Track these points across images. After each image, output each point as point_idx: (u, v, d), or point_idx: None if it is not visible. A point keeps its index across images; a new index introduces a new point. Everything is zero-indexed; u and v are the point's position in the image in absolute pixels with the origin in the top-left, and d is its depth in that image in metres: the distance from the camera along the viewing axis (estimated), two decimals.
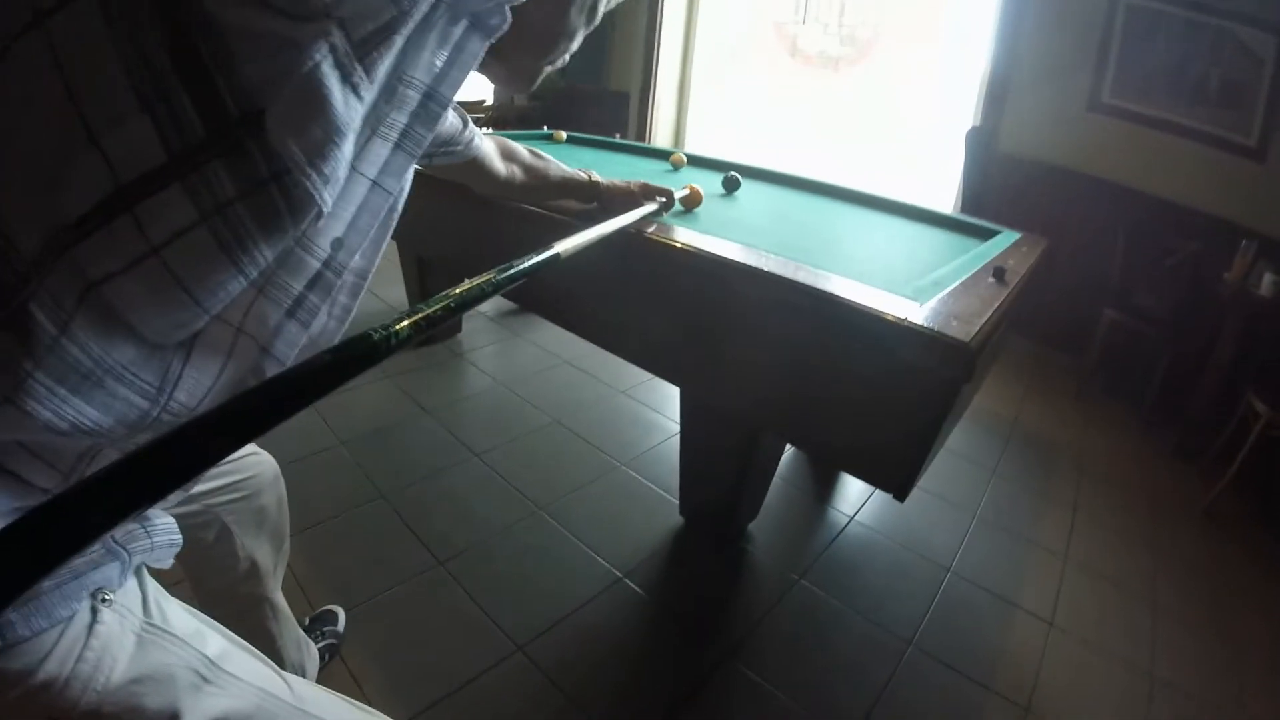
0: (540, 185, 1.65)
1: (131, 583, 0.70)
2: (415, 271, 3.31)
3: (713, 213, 2.02)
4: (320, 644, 1.65)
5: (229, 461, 1.19)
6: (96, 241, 0.50)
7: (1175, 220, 3.72)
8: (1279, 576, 2.50)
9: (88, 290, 0.50)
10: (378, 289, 3.76)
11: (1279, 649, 2.12)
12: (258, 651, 0.82)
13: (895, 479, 1.35)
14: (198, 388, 0.60)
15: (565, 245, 0.96)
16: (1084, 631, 2.06)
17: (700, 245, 1.54)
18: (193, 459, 0.44)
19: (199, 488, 1.12)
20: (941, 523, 2.50)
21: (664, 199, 1.72)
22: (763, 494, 2.26)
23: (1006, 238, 2.08)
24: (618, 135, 3.49)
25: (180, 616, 0.74)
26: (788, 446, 2.46)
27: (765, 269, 1.42)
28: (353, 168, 0.60)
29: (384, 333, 0.58)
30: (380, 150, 0.62)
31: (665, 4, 5.87)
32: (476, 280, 0.73)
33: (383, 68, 0.54)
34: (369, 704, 0.92)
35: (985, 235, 2.16)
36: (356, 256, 0.68)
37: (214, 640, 0.75)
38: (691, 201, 1.95)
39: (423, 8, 0.52)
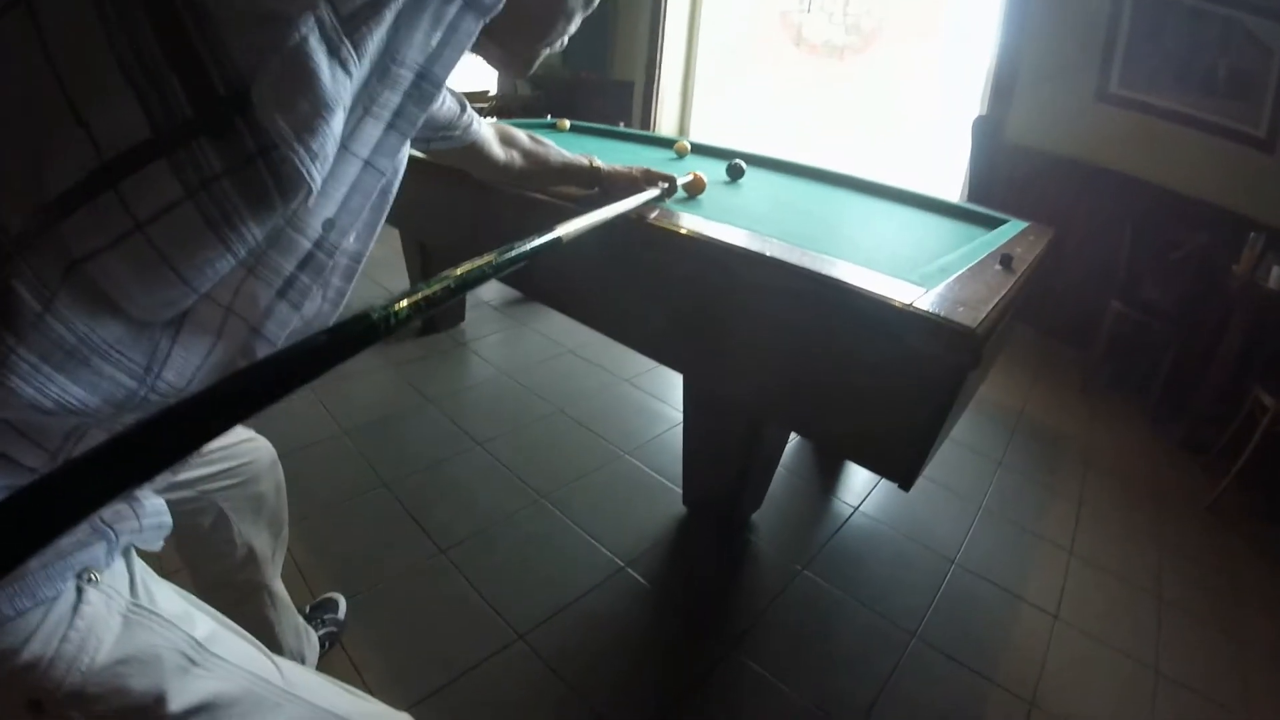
0: (540, 170, 1.64)
1: (119, 563, 0.69)
2: (418, 259, 3.29)
3: (717, 200, 2.01)
4: (321, 632, 1.65)
5: (225, 447, 1.18)
6: (80, 218, 0.49)
7: (1183, 212, 3.70)
8: None
9: (72, 267, 0.50)
10: (381, 277, 3.75)
11: None
12: (249, 635, 0.81)
13: (900, 467, 1.34)
14: (186, 367, 0.59)
15: (567, 228, 0.95)
16: (1088, 625, 2.05)
17: (704, 231, 1.53)
18: (184, 439, 0.43)
19: (194, 473, 1.11)
20: (946, 514, 2.49)
21: (666, 185, 1.70)
22: (766, 483, 2.25)
23: (1013, 226, 2.07)
24: (621, 124, 3.47)
25: (168, 598, 0.73)
26: (792, 436, 2.45)
27: (769, 254, 1.40)
28: (345, 147, 0.59)
29: (383, 312, 0.57)
30: (373, 130, 0.61)
31: None
32: (477, 261, 0.72)
33: (372, 44, 0.53)
34: (369, 692, 0.91)
35: (992, 224, 2.15)
36: (350, 239, 0.67)
37: (202, 622, 0.74)
38: (695, 188, 1.93)
39: None
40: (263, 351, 0.63)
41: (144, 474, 0.40)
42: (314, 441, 2.46)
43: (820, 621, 1.93)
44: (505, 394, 2.99)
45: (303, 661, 1.49)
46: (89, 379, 0.53)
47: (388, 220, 0.74)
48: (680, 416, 2.54)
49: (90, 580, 0.64)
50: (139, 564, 0.72)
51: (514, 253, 0.79)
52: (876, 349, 1.28)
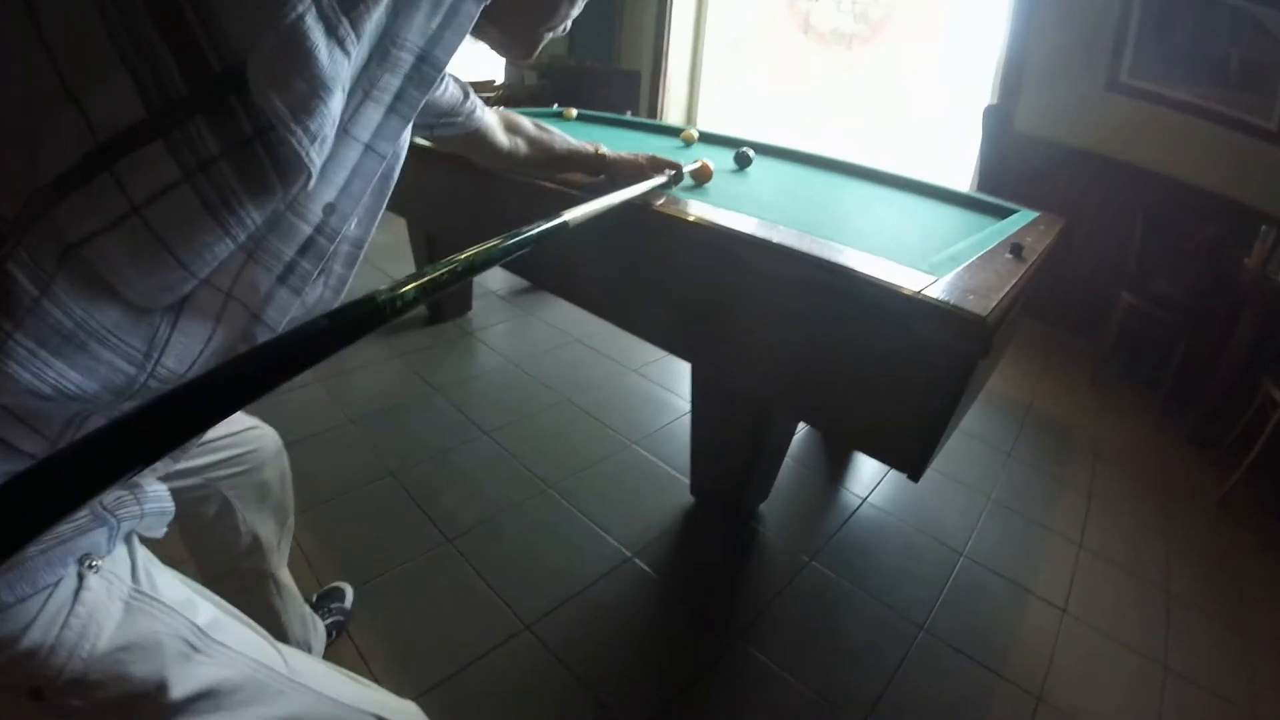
0: (545, 158, 1.63)
1: (120, 550, 0.68)
2: (425, 248, 3.29)
3: (724, 188, 2.00)
4: (327, 620, 1.65)
5: (229, 435, 1.18)
6: (75, 201, 0.48)
7: (1194, 203, 3.66)
8: None
9: (68, 251, 0.49)
10: (386, 265, 3.75)
11: None
12: (252, 622, 0.81)
13: (909, 458, 1.33)
14: (186, 353, 0.58)
15: (573, 214, 0.94)
16: (1097, 619, 2.04)
17: (712, 218, 1.52)
18: (188, 422, 0.43)
19: (199, 461, 1.11)
20: (955, 505, 2.48)
21: (673, 172, 1.70)
22: (774, 474, 2.24)
23: (1023, 216, 2.05)
24: (629, 113, 3.46)
25: (171, 585, 0.73)
26: (800, 426, 2.44)
27: (778, 241, 1.40)
28: (345, 131, 0.58)
29: (390, 294, 0.57)
30: (373, 114, 0.60)
31: None
32: (484, 246, 0.71)
33: (370, 23, 0.52)
34: (375, 681, 0.91)
35: (1002, 214, 2.13)
36: (351, 224, 0.66)
37: (205, 609, 0.74)
38: (702, 176, 1.92)
39: None
40: (264, 338, 0.63)
41: (147, 457, 0.40)
42: (320, 430, 2.46)
43: (827, 613, 1.93)
44: (512, 383, 2.98)
45: (309, 650, 1.49)
46: (87, 364, 0.52)
47: (393, 208, 0.73)
48: (688, 406, 2.54)
49: (91, 566, 0.64)
50: (141, 550, 0.72)
51: (520, 237, 0.78)
52: (885, 337, 1.28)
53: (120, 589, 0.66)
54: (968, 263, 1.42)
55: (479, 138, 1.42)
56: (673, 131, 3.05)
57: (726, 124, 5.75)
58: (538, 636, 1.75)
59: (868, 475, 2.58)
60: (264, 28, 0.47)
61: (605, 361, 3.24)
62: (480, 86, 6.17)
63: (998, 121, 4.22)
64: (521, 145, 1.57)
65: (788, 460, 2.30)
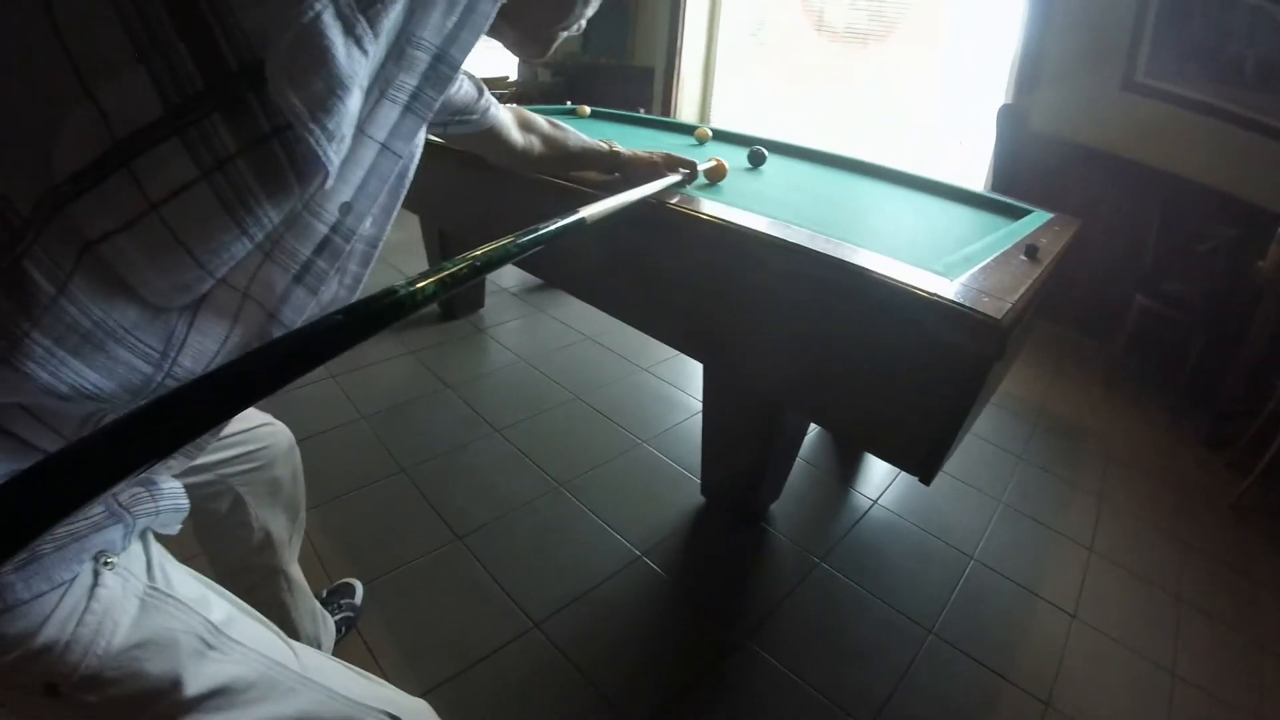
0: (559, 156, 1.63)
1: (135, 547, 0.68)
2: (438, 246, 3.30)
3: (738, 186, 2.00)
4: (337, 617, 1.65)
5: (243, 431, 1.18)
6: (92, 199, 0.48)
7: (1210, 205, 3.63)
8: None
9: (85, 249, 0.49)
10: (400, 262, 3.77)
11: None
12: (265, 619, 0.81)
13: (921, 461, 1.33)
14: (203, 353, 0.58)
15: (590, 211, 0.94)
16: (1106, 624, 2.02)
17: (726, 217, 1.52)
18: (206, 415, 0.43)
19: (212, 457, 1.11)
20: (965, 508, 2.47)
21: (687, 170, 1.69)
22: (785, 474, 2.24)
23: (1038, 217, 2.04)
24: (642, 110, 3.45)
25: (185, 581, 0.73)
26: (812, 427, 2.44)
27: (792, 241, 1.39)
28: (361, 130, 0.58)
29: (409, 288, 0.57)
30: (389, 113, 0.60)
31: None
32: (502, 241, 0.71)
33: (387, 22, 0.52)
34: (385, 677, 0.91)
35: (1016, 214, 2.12)
36: (367, 223, 0.66)
37: (219, 606, 0.74)
38: (716, 174, 1.92)
39: None
40: None
41: (164, 450, 0.40)
42: (332, 427, 2.47)
43: (836, 615, 1.92)
44: (524, 380, 2.98)
45: (319, 646, 1.49)
46: (104, 364, 0.52)
47: (406, 205, 0.73)
48: (698, 405, 2.53)
49: (107, 563, 0.64)
50: (156, 547, 0.72)
51: (538, 234, 0.78)
52: (899, 339, 1.27)
53: (136, 586, 0.67)
54: (982, 264, 1.42)
55: (493, 135, 1.42)
56: (686, 129, 3.04)
57: (740, 122, 5.74)
58: (546, 634, 1.75)
59: (878, 477, 2.57)
60: (282, 26, 0.47)
61: (617, 360, 3.24)
62: (493, 83, 6.17)
63: (1012, 121, 4.19)
64: (536, 143, 1.56)
65: (799, 461, 2.29)
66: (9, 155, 0.49)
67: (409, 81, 0.59)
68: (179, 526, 0.73)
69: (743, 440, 2.01)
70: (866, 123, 5.30)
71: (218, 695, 0.70)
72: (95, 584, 0.63)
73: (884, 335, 1.30)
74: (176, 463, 0.70)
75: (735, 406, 1.99)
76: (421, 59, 0.59)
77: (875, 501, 2.43)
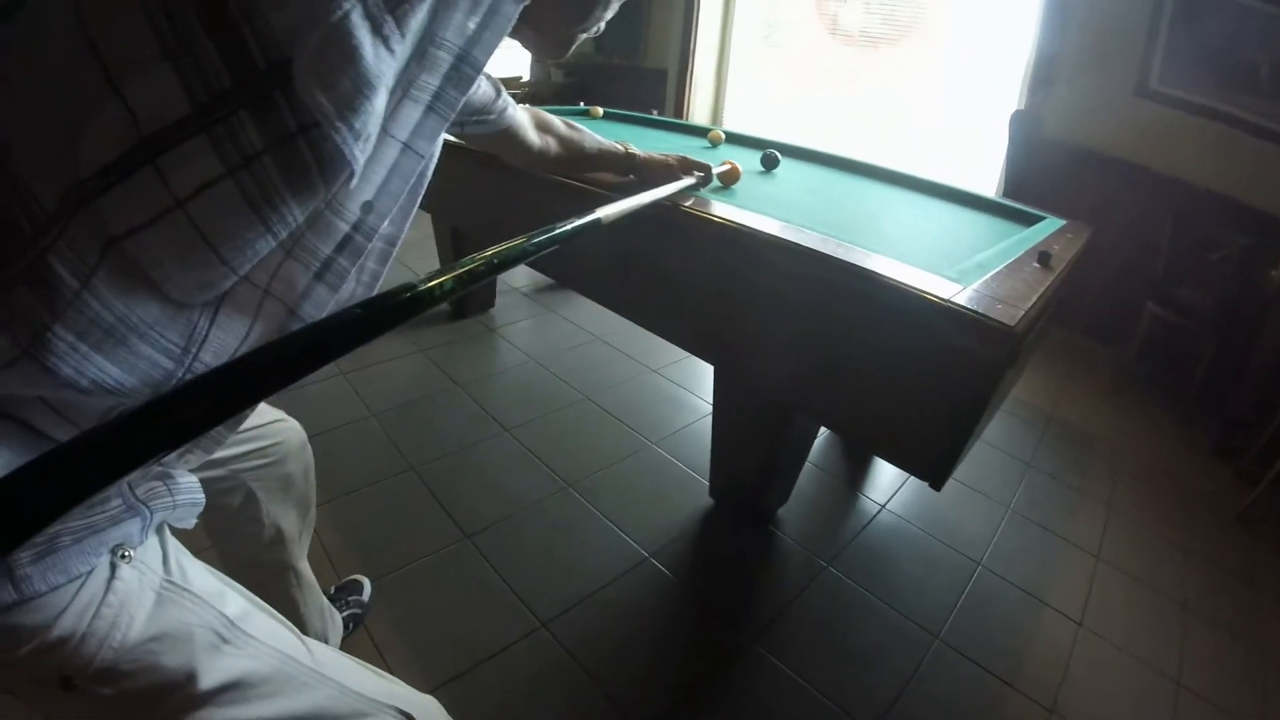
0: (575, 157, 1.63)
1: (152, 540, 0.69)
2: (450, 244, 3.30)
3: (751, 190, 2.00)
4: (345, 613, 1.66)
5: (256, 427, 1.19)
6: (118, 194, 0.49)
7: (1223, 214, 3.61)
8: None
9: (110, 245, 0.50)
10: (412, 261, 3.77)
11: None
12: (278, 614, 0.81)
13: (932, 466, 1.33)
14: (223, 349, 0.59)
15: (606, 211, 0.95)
16: (1112, 633, 2.02)
17: (739, 220, 1.52)
18: (224, 404, 0.43)
19: (225, 452, 1.12)
20: (973, 514, 2.46)
21: (702, 174, 1.69)
22: (794, 477, 2.23)
23: (1051, 224, 2.04)
24: (655, 112, 3.46)
25: (201, 576, 0.74)
26: (820, 430, 2.44)
27: (805, 245, 1.39)
28: (384, 130, 0.59)
29: (428, 283, 0.57)
30: (412, 113, 0.61)
31: None
32: (518, 240, 0.72)
33: (414, 22, 0.53)
34: (391, 674, 0.91)
35: (1029, 220, 2.12)
36: (385, 222, 0.66)
37: (234, 601, 0.75)
38: (730, 178, 1.92)
39: None
40: None
41: (181, 438, 0.41)
42: (342, 424, 2.47)
43: (843, 619, 1.92)
44: (533, 380, 2.99)
45: (326, 642, 1.50)
46: (126, 359, 0.53)
47: (419, 204, 0.74)
48: (708, 407, 2.54)
49: (124, 556, 0.64)
50: (172, 541, 0.73)
51: (555, 233, 0.79)
52: (912, 345, 1.27)
53: (152, 579, 0.67)
54: (995, 270, 1.41)
55: (510, 136, 1.42)
56: (699, 131, 3.04)
57: (752, 124, 5.74)
58: (554, 634, 1.75)
59: (887, 481, 2.56)
60: (310, 24, 0.47)
61: (627, 361, 3.24)
62: (506, 83, 6.15)
63: (1025, 127, 4.18)
64: (552, 144, 1.57)
65: (807, 465, 2.29)
66: (36, 151, 0.50)
67: (431, 82, 0.60)
68: (195, 521, 0.74)
69: (752, 443, 2.01)
70: (879, 126, 5.29)
71: (232, 689, 0.70)
72: (112, 577, 0.63)
73: (896, 340, 1.30)
74: (195, 456, 0.71)
75: (745, 409, 1.99)
76: (444, 59, 0.59)
77: (883, 506, 2.42)
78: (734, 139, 2.90)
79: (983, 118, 4.67)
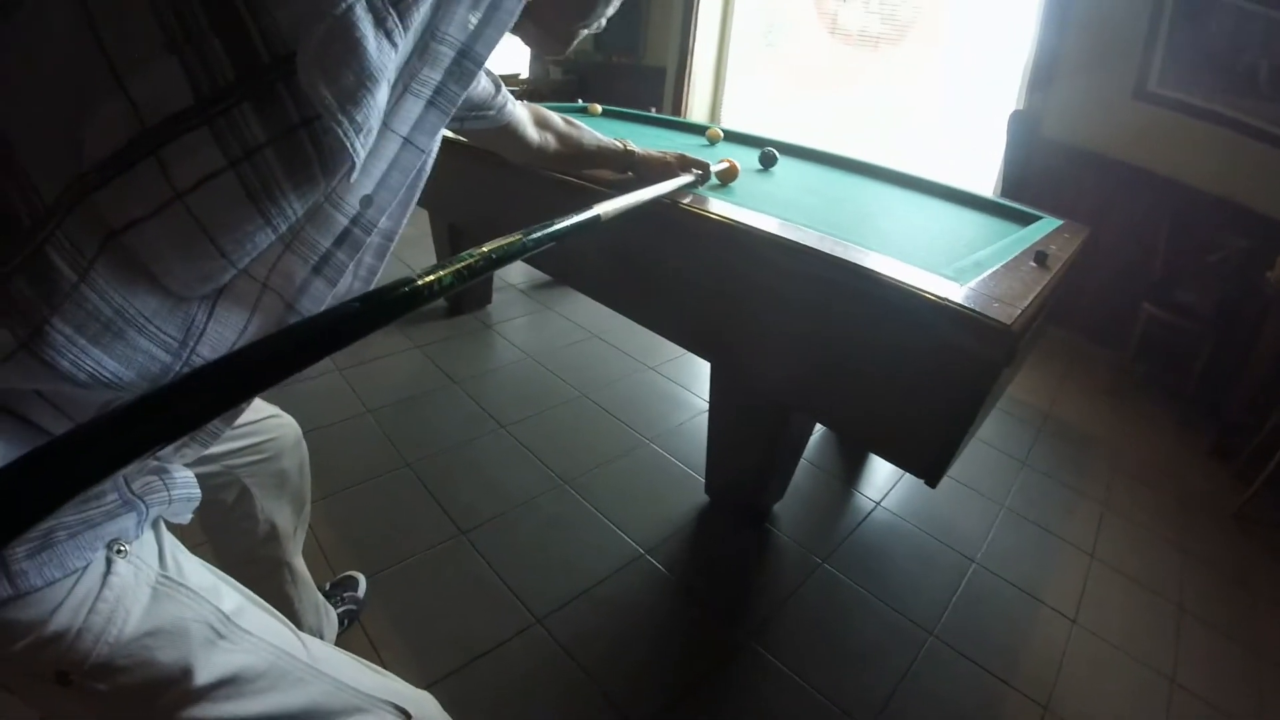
0: (574, 153, 1.63)
1: (148, 535, 0.69)
2: (447, 240, 3.30)
3: (749, 188, 2.00)
4: (340, 609, 1.66)
5: (251, 423, 1.19)
6: (119, 186, 0.49)
7: (1221, 215, 3.62)
8: None
9: (109, 237, 0.50)
10: (409, 256, 3.77)
11: None
12: (274, 610, 0.81)
13: (928, 464, 1.33)
14: (221, 342, 0.59)
15: (605, 208, 0.95)
16: (1107, 632, 2.02)
17: (737, 217, 1.52)
18: (220, 397, 0.43)
19: (220, 448, 1.11)
20: (969, 512, 2.47)
21: (700, 171, 1.69)
22: (790, 474, 2.24)
23: (1048, 224, 2.04)
24: (653, 109, 3.46)
25: (197, 571, 0.73)
26: (816, 428, 2.44)
27: (803, 243, 1.39)
28: (385, 124, 0.59)
29: (426, 278, 0.57)
30: (413, 107, 0.61)
31: None
32: (517, 235, 0.72)
33: (417, 16, 0.53)
34: (387, 669, 0.91)
35: (1026, 220, 2.13)
36: (384, 216, 0.66)
37: (230, 596, 0.75)
38: (728, 176, 1.92)
39: None
40: None
41: (176, 432, 0.41)
42: (338, 420, 2.47)
43: (839, 616, 1.92)
44: (530, 377, 2.99)
45: (321, 639, 1.50)
46: (124, 352, 0.53)
47: (417, 200, 0.74)
48: (704, 405, 2.54)
49: (119, 551, 0.64)
50: (168, 536, 0.73)
51: (554, 228, 0.79)
52: (908, 343, 1.28)
53: (148, 574, 0.67)
54: (992, 269, 1.42)
55: (509, 132, 1.42)
56: (698, 129, 3.04)
57: (750, 123, 5.74)
58: (549, 630, 1.75)
59: (882, 479, 2.57)
60: (314, 17, 0.47)
61: (623, 358, 3.24)
62: (505, 80, 6.17)
63: (1023, 128, 4.18)
64: (551, 140, 1.57)
65: (803, 462, 2.29)
66: (38, 143, 0.50)
67: (433, 76, 0.60)
68: (190, 516, 0.74)
69: (748, 440, 2.01)
70: (877, 125, 5.29)
71: (227, 684, 0.70)
72: (108, 572, 0.63)
73: (893, 338, 1.30)
74: (191, 451, 0.70)
75: (741, 406, 1.99)
76: (446, 54, 0.59)
77: (878, 503, 2.43)
78: (732, 137, 2.91)
79: (981, 118, 4.67)
